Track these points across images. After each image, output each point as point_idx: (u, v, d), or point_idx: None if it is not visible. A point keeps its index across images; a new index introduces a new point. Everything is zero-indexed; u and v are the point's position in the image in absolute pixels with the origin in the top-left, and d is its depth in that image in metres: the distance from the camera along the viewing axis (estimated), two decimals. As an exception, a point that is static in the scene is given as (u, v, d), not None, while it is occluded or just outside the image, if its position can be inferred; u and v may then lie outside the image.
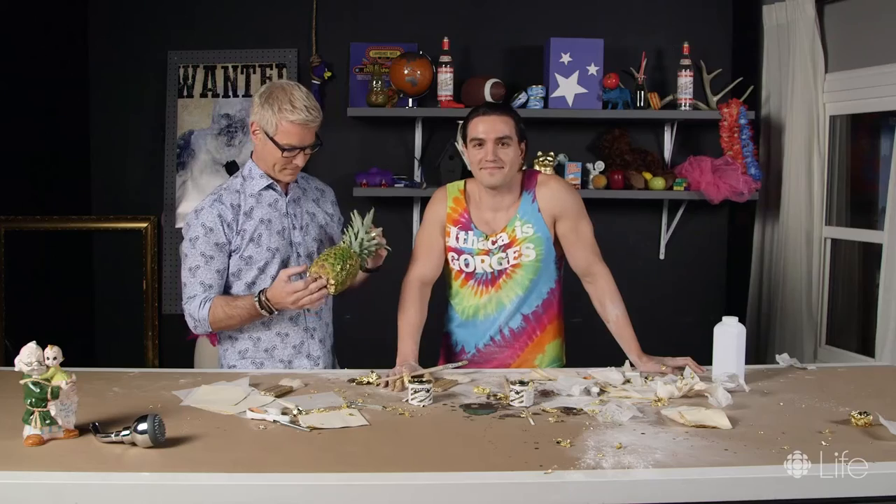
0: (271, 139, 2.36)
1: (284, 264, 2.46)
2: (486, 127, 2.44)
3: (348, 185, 3.95)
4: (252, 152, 2.50)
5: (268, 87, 2.40)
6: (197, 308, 2.39)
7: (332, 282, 2.29)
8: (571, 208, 2.51)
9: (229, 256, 2.42)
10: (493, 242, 2.51)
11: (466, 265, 2.54)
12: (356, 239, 2.34)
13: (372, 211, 2.40)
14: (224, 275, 2.43)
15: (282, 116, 2.33)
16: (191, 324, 2.43)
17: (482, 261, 2.52)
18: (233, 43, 3.95)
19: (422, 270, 2.55)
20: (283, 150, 2.36)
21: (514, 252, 2.50)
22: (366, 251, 2.36)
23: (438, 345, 2.67)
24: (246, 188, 2.45)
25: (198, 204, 2.47)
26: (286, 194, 2.49)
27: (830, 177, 3.66)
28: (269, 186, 2.45)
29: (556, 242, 2.53)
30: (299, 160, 2.41)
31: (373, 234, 2.37)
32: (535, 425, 1.90)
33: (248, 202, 2.44)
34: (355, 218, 2.38)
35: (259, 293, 2.37)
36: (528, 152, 2.55)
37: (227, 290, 2.46)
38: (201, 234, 2.39)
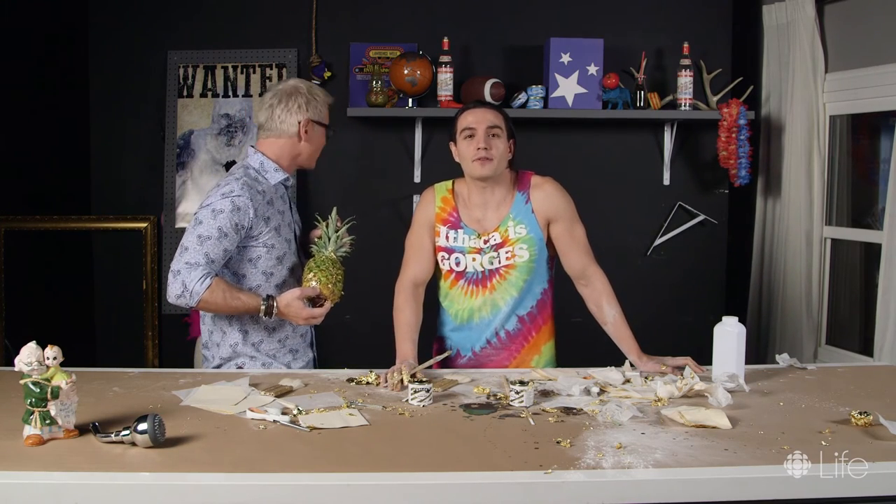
0: (323, 125, 2.56)
1: (293, 255, 2.53)
2: (477, 117, 2.47)
3: (347, 185, 3.96)
4: (254, 152, 2.52)
5: (291, 88, 2.53)
6: (197, 280, 2.29)
7: (335, 302, 2.47)
8: (566, 211, 2.52)
9: (240, 242, 2.42)
10: (486, 241, 2.51)
11: (457, 264, 2.53)
12: (332, 243, 2.46)
13: (335, 210, 2.51)
14: (228, 256, 2.39)
15: (324, 101, 2.56)
16: (177, 290, 2.30)
17: (473, 259, 2.52)
18: (233, 43, 3.95)
19: (413, 272, 2.56)
20: (331, 129, 2.60)
21: (507, 252, 2.49)
22: (341, 255, 2.49)
23: (431, 349, 2.65)
24: (268, 179, 2.49)
25: (222, 181, 2.46)
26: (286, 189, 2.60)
27: (830, 177, 3.65)
28: (282, 182, 2.53)
29: (549, 243, 2.53)
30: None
31: (344, 239, 2.49)
32: (535, 425, 1.90)
33: (270, 191, 2.48)
34: (324, 223, 2.50)
35: (269, 299, 2.38)
36: (517, 151, 2.55)
37: (241, 277, 2.45)
38: (228, 208, 2.36)
